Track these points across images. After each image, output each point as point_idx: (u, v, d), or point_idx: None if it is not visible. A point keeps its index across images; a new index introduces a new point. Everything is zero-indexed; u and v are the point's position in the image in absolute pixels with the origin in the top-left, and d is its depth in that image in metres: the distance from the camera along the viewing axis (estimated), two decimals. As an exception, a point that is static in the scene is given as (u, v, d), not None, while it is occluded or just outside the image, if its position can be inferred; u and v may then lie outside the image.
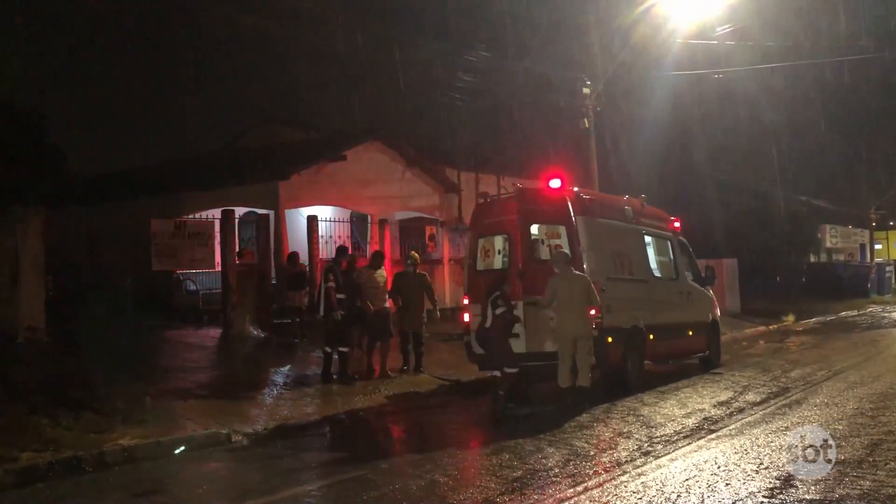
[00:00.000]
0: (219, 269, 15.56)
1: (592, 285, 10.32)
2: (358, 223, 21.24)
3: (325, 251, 17.77)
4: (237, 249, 15.76)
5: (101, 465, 7.45)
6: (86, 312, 14.90)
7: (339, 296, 11.89)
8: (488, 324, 10.23)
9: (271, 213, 18.19)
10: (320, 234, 17.50)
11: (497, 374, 10.18)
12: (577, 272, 10.41)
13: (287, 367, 12.59)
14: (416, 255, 13.49)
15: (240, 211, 17.70)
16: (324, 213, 18.83)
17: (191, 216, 17.54)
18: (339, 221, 18.92)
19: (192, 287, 17.27)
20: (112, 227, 18.36)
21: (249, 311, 15.32)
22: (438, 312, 13.34)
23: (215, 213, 15.98)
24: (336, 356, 11.89)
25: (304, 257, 16.16)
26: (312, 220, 17.38)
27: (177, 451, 8.09)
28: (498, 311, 10.09)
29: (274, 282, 16.76)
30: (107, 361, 11.29)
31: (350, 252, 13.84)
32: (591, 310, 10.26)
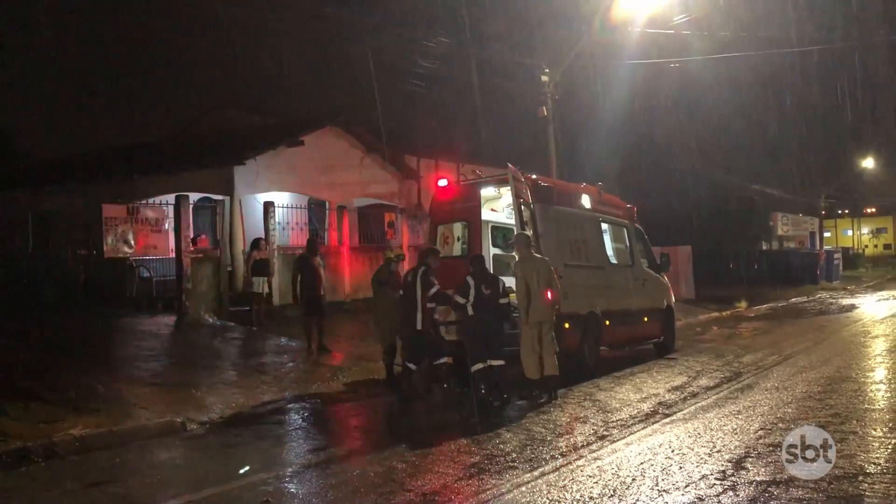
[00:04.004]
0: (173, 255, 15.30)
1: (552, 268, 10.13)
2: (316, 210, 21.07)
3: (282, 237, 17.61)
4: (192, 236, 15.49)
5: (51, 456, 7.28)
6: (35, 300, 14.55)
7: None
8: (471, 311, 9.68)
9: (226, 199, 17.94)
10: (277, 220, 17.32)
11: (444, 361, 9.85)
12: (538, 255, 10.18)
13: (244, 355, 12.46)
14: (399, 252, 12.31)
15: (194, 197, 17.42)
16: (281, 199, 18.62)
17: (144, 202, 17.20)
18: (296, 208, 18.74)
19: (146, 274, 16.97)
20: (62, 213, 17.93)
21: (204, 298, 15.11)
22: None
23: (169, 199, 15.70)
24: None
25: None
26: (269, 207, 17.19)
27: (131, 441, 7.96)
28: (486, 291, 9.66)
29: (230, 269, 16.54)
30: (57, 350, 11.07)
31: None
32: (548, 292, 9.88)
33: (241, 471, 6.79)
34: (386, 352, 11.10)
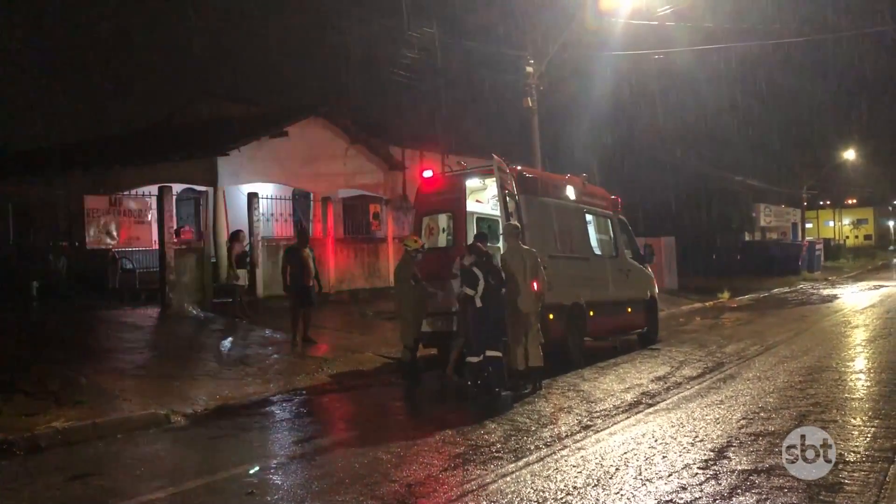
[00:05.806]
0: (156, 247, 15.21)
1: (539, 259, 10.12)
2: (300, 201, 21.00)
3: (267, 229, 17.53)
4: (175, 227, 15.40)
5: (33, 449, 7.24)
6: (16, 291, 14.44)
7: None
8: (479, 303, 9.35)
9: (210, 190, 17.83)
10: (261, 211, 17.24)
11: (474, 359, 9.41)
12: (524, 246, 10.14)
13: (228, 347, 12.41)
14: (421, 243, 11.31)
15: (178, 188, 17.31)
16: (265, 190, 18.54)
17: (127, 193, 17.08)
18: (280, 199, 18.66)
19: (129, 265, 16.86)
20: (44, 204, 17.78)
21: (188, 290, 15.04)
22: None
23: (152, 190, 15.60)
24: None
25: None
26: (253, 198, 17.10)
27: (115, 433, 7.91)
28: (492, 281, 9.38)
29: (213, 260, 16.45)
30: (39, 342, 10.98)
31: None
32: (534, 283, 9.85)
33: (226, 463, 6.78)
34: (408, 346, 10.78)
